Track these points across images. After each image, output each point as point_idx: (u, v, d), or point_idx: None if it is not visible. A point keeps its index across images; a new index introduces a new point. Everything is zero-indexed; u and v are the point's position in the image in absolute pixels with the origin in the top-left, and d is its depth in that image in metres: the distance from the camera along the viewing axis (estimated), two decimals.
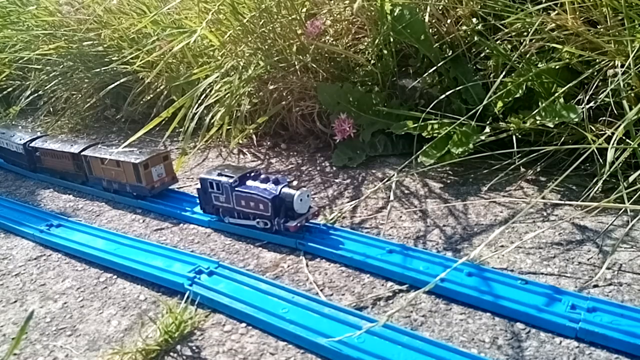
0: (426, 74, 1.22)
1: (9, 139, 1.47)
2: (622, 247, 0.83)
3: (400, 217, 1.01)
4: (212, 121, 1.36)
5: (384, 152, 1.29)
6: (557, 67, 1.04)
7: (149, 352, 0.70)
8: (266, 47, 1.32)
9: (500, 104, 1.10)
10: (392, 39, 1.24)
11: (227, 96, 1.33)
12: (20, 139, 1.43)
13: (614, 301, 0.70)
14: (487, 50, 1.17)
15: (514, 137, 1.07)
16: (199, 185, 1.02)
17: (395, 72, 1.29)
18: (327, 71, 1.33)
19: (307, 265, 0.88)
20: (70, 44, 1.85)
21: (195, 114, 1.23)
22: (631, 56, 0.87)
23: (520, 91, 1.08)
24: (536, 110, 1.01)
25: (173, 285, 0.84)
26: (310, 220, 0.96)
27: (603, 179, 0.87)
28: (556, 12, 0.99)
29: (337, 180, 1.21)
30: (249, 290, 0.80)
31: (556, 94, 1.01)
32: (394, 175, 1.15)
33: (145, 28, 1.64)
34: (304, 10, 1.32)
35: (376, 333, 0.67)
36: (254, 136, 1.49)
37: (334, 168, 1.28)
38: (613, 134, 0.89)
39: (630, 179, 0.86)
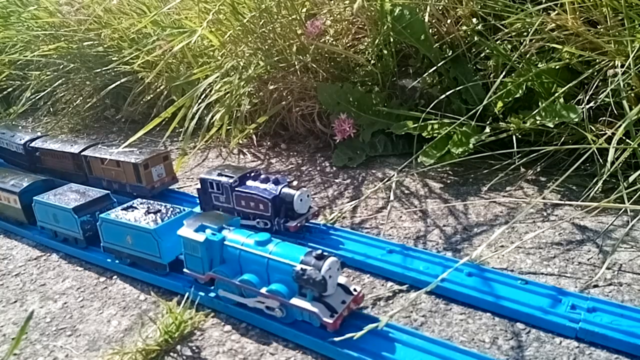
0: (426, 74, 1.22)
1: (9, 139, 1.47)
2: (622, 247, 0.83)
3: (400, 217, 1.01)
4: (212, 121, 1.36)
5: (384, 152, 1.29)
6: (557, 67, 1.04)
7: (149, 352, 0.70)
8: (266, 47, 1.32)
9: (500, 104, 1.10)
10: (392, 39, 1.24)
11: (227, 96, 1.33)
12: (21, 139, 1.43)
13: (614, 301, 0.70)
14: (487, 50, 1.17)
15: (514, 137, 1.07)
16: (199, 186, 1.02)
17: (395, 72, 1.29)
18: (327, 71, 1.33)
19: None
20: (71, 44, 1.86)
21: (195, 114, 1.23)
22: (631, 56, 0.87)
23: (520, 91, 1.08)
24: (536, 110, 1.01)
25: (173, 286, 0.84)
26: (310, 220, 0.96)
27: (603, 179, 0.87)
28: (556, 12, 0.99)
29: (337, 180, 1.21)
30: None
31: (556, 94, 1.01)
32: (394, 175, 1.15)
33: (145, 28, 1.64)
34: (304, 10, 1.32)
35: (376, 332, 0.67)
36: (254, 136, 1.49)
37: (334, 168, 1.28)
38: (613, 134, 0.89)
39: (630, 179, 0.86)
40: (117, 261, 0.90)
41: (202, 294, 0.79)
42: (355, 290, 0.70)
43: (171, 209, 0.88)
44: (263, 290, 0.70)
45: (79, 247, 0.98)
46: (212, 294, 0.78)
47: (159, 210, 0.87)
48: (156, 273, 0.85)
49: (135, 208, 0.89)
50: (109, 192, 1.01)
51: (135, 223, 0.84)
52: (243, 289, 0.73)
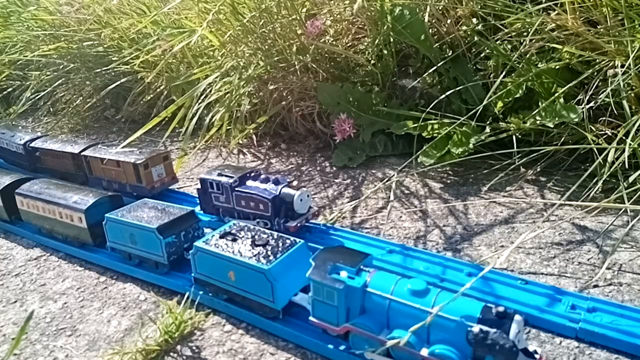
0: (426, 74, 1.22)
1: (9, 139, 1.48)
2: (622, 247, 0.83)
3: (400, 217, 1.01)
4: (212, 121, 1.36)
5: (384, 152, 1.29)
6: (557, 67, 1.04)
7: (149, 352, 0.70)
8: (266, 47, 1.32)
9: (500, 104, 1.10)
10: (392, 39, 1.24)
11: (227, 96, 1.33)
12: (21, 139, 1.43)
13: (614, 301, 0.70)
14: (487, 50, 1.17)
15: (514, 137, 1.07)
16: (199, 186, 1.02)
17: (395, 72, 1.29)
18: (327, 71, 1.33)
19: None
20: (71, 44, 1.86)
21: (195, 114, 1.23)
22: (631, 56, 0.87)
23: (520, 91, 1.08)
24: (536, 110, 1.01)
25: (174, 285, 0.84)
26: (310, 220, 0.96)
27: (603, 179, 0.87)
28: (556, 12, 0.99)
29: (337, 180, 1.21)
30: None
31: (556, 94, 1.01)
32: (394, 175, 1.15)
33: (145, 28, 1.64)
34: (304, 10, 1.32)
35: None
36: (254, 136, 1.49)
37: (334, 168, 1.28)
38: (613, 134, 0.89)
39: (630, 179, 0.86)
40: (210, 294, 0.78)
41: (202, 293, 0.79)
42: (535, 352, 0.55)
43: (280, 240, 0.74)
44: (424, 352, 0.57)
45: (159, 272, 0.86)
46: (342, 347, 0.66)
47: (267, 242, 0.73)
48: (264, 316, 0.73)
49: (237, 236, 0.76)
50: (193, 209, 0.89)
51: (242, 259, 0.71)
52: (392, 348, 0.59)
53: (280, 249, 0.72)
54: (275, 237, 0.75)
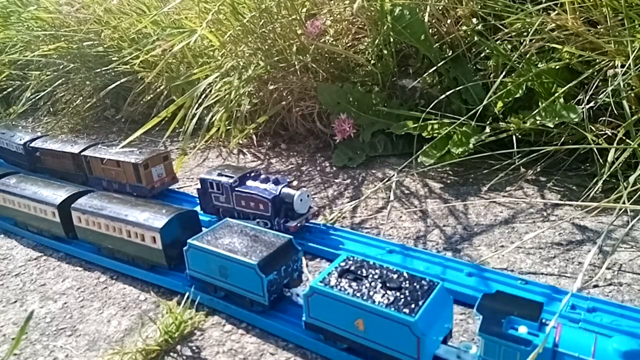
0: (426, 74, 1.22)
1: (9, 139, 1.48)
2: (622, 247, 0.83)
3: (400, 217, 1.01)
4: (212, 121, 1.36)
5: (384, 152, 1.29)
6: (557, 67, 1.04)
7: (149, 352, 0.70)
8: (266, 47, 1.32)
9: (500, 104, 1.10)
10: (392, 39, 1.24)
11: (227, 96, 1.33)
12: (21, 139, 1.43)
13: (614, 301, 0.70)
14: (487, 50, 1.17)
15: (514, 137, 1.07)
16: (199, 186, 1.02)
17: (395, 72, 1.29)
18: (327, 71, 1.33)
19: (307, 266, 0.88)
20: (71, 44, 1.86)
21: (195, 114, 1.23)
22: (631, 56, 0.87)
23: (520, 91, 1.08)
24: (536, 111, 1.01)
25: (174, 286, 0.84)
26: (310, 220, 0.96)
27: (603, 179, 0.87)
28: (556, 12, 0.99)
29: (337, 180, 1.21)
30: None
31: (556, 94, 1.01)
32: (394, 175, 1.15)
33: (145, 28, 1.64)
34: (304, 10, 1.32)
35: None
36: (254, 136, 1.49)
37: (334, 168, 1.28)
38: (613, 134, 0.89)
39: (631, 179, 0.86)
40: (326, 342, 0.66)
41: (202, 293, 0.79)
42: None
43: (415, 281, 0.61)
44: None
45: (255, 310, 0.73)
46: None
47: (401, 286, 0.60)
48: None
49: (358, 275, 0.63)
50: (291, 237, 0.75)
51: (377, 307, 0.58)
52: None
53: (419, 293, 0.59)
54: (407, 276, 0.62)
